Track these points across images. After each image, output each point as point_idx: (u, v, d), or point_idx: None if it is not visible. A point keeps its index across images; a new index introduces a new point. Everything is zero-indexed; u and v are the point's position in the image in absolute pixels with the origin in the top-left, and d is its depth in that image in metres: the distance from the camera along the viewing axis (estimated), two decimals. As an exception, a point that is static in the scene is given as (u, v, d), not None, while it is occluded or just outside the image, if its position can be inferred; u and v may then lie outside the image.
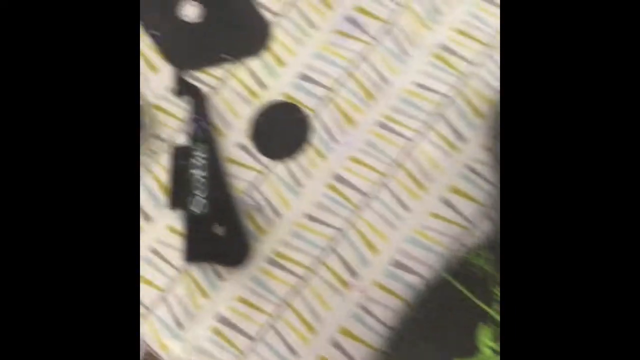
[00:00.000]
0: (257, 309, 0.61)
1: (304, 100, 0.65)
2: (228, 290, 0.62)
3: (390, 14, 0.66)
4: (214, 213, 0.62)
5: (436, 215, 0.63)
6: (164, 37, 0.67)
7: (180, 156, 0.64)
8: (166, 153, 0.64)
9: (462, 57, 0.65)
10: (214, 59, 0.66)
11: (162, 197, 0.64)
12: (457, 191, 0.63)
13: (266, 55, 0.66)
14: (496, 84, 0.65)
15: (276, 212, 0.63)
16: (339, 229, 0.63)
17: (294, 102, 0.65)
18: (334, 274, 0.62)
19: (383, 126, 0.64)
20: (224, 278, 0.62)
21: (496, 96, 0.64)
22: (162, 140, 0.65)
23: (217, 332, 0.61)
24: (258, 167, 0.64)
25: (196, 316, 0.62)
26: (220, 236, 0.61)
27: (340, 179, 0.64)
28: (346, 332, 0.61)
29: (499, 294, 0.54)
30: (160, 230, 0.63)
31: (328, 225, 0.63)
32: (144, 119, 0.61)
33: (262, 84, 0.66)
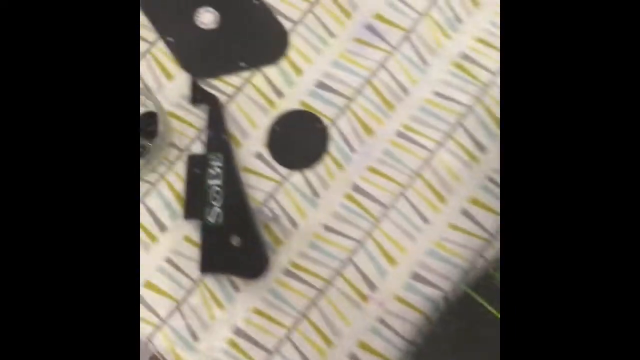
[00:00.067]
0: (274, 321, 0.60)
1: (322, 109, 0.64)
2: (244, 302, 0.61)
3: (410, 22, 0.65)
4: (230, 223, 0.61)
5: (455, 227, 0.62)
6: (180, 43, 0.66)
7: (196, 165, 0.63)
8: (182, 162, 0.64)
9: (482, 66, 0.64)
10: (230, 67, 0.65)
11: (178, 207, 0.63)
12: (476, 202, 0.62)
13: (283, 63, 0.65)
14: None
15: (293, 223, 0.62)
16: (357, 241, 0.62)
17: (312, 111, 0.64)
18: (352, 286, 0.61)
19: (402, 136, 0.63)
20: (240, 289, 0.61)
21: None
22: (178, 148, 0.64)
23: (233, 344, 0.60)
24: (275, 176, 0.63)
25: (211, 327, 0.61)
26: (236, 247, 0.60)
27: (358, 189, 0.63)
28: (364, 346, 0.60)
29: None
30: (175, 240, 0.62)
31: (346, 236, 0.62)
32: (159, 127, 0.60)
33: (279, 93, 0.65)
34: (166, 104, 0.64)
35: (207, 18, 0.66)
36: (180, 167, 0.64)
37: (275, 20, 0.66)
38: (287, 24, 0.66)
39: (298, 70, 0.65)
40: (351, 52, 0.65)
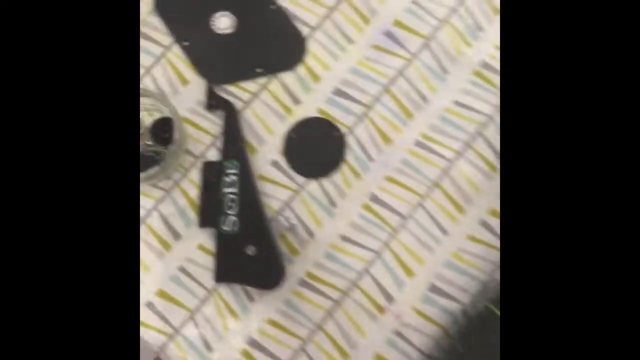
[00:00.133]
0: (289, 332, 0.60)
1: (339, 117, 0.63)
2: (258, 312, 0.60)
3: (430, 30, 0.64)
4: (246, 232, 0.60)
5: (474, 239, 0.61)
6: (195, 48, 0.65)
7: (211, 173, 0.62)
8: (196, 168, 0.63)
9: (503, 75, 0.63)
10: (247, 73, 0.64)
11: (192, 214, 0.62)
12: (496, 214, 0.61)
13: (301, 70, 0.64)
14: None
15: (309, 233, 0.61)
16: (374, 251, 0.61)
17: (329, 119, 0.63)
18: (369, 297, 0.60)
19: (421, 145, 0.62)
20: (255, 299, 0.60)
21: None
22: (193, 155, 0.63)
23: (247, 355, 0.59)
24: (291, 185, 0.62)
25: (225, 338, 0.60)
26: (251, 256, 0.59)
27: (376, 199, 0.62)
28: (381, 359, 0.59)
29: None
30: (189, 249, 0.61)
31: (363, 246, 0.61)
32: (175, 133, 0.59)
33: (296, 99, 0.64)
34: (181, 109, 0.63)
35: (223, 23, 0.65)
36: (195, 174, 0.63)
37: (292, 25, 0.65)
38: (304, 30, 0.65)
39: (315, 77, 0.64)
40: (370, 59, 0.64)
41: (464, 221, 0.61)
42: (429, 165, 0.62)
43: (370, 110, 0.63)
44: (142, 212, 0.62)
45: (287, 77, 0.64)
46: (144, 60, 0.64)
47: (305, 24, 0.65)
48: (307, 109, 0.63)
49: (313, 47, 0.65)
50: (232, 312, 0.60)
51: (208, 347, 0.60)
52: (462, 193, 0.61)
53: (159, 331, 0.60)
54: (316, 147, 0.63)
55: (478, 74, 0.63)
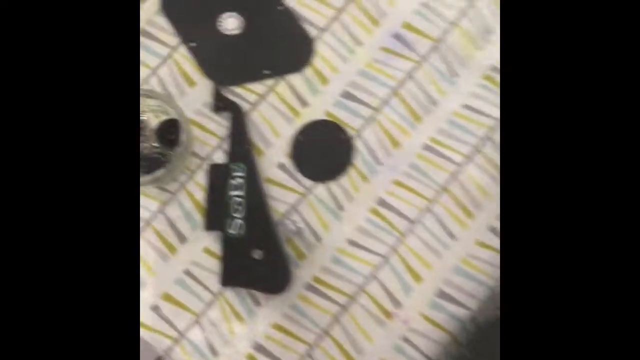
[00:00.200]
0: (295, 337, 0.59)
1: (347, 120, 0.63)
2: (265, 317, 0.59)
3: (440, 32, 0.63)
4: (252, 236, 0.59)
5: (483, 244, 0.60)
6: (202, 49, 0.64)
7: (218, 175, 0.61)
8: (203, 171, 0.62)
9: (513, 79, 0.62)
10: (254, 74, 0.64)
11: (198, 217, 0.61)
12: (505, 219, 0.60)
13: (308, 72, 0.64)
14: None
15: (316, 237, 0.61)
16: (381, 256, 0.60)
17: (337, 121, 0.63)
18: (376, 302, 0.59)
19: (429, 149, 0.62)
20: (261, 304, 0.60)
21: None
22: (199, 157, 0.62)
23: (252, 360, 0.59)
24: (298, 188, 0.62)
25: (231, 342, 0.59)
26: (258, 260, 0.59)
27: (383, 203, 0.61)
28: (388, 365, 0.58)
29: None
30: (195, 252, 0.61)
31: (370, 251, 0.60)
32: (182, 135, 0.59)
33: (304, 102, 0.63)
34: (188, 111, 0.62)
35: (230, 23, 0.64)
36: (201, 177, 0.62)
37: (300, 27, 0.64)
38: (312, 31, 0.64)
39: (323, 79, 0.63)
40: (378, 61, 0.63)
41: (473, 226, 0.60)
42: (438, 169, 0.61)
43: (378, 113, 0.62)
44: (147, 215, 0.61)
45: (295, 79, 0.63)
46: (150, 61, 0.64)
47: (313, 25, 0.64)
48: (315, 112, 0.63)
49: (321, 48, 0.64)
50: (238, 316, 0.60)
51: (213, 351, 0.59)
52: (471, 198, 0.61)
53: (165, 335, 0.59)
54: (323, 150, 0.62)
55: (488, 77, 0.63)
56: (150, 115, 0.62)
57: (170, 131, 0.60)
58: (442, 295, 0.59)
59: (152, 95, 0.61)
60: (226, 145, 0.62)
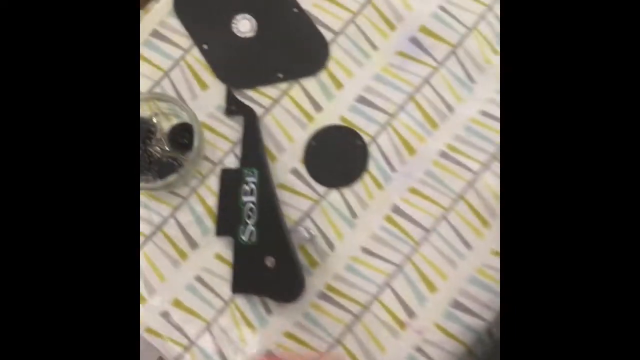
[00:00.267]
0: (307, 345, 0.58)
1: (362, 125, 0.61)
2: (276, 325, 0.58)
3: (457, 37, 0.62)
4: (264, 243, 0.58)
5: (499, 254, 0.59)
6: (215, 51, 0.63)
7: (230, 180, 0.60)
8: (214, 175, 0.61)
9: (531, 86, 0.61)
10: (267, 77, 0.62)
11: (210, 223, 0.60)
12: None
13: (323, 76, 0.62)
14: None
15: (330, 244, 0.60)
16: (395, 265, 0.59)
17: (351, 127, 0.61)
18: (389, 312, 0.58)
19: (445, 156, 0.61)
20: (273, 311, 0.59)
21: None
22: (211, 161, 0.61)
23: (263, 368, 0.58)
24: (311, 194, 0.61)
25: (242, 350, 0.58)
26: (270, 267, 0.58)
27: (398, 210, 0.60)
28: (401, 376, 0.57)
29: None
30: (206, 258, 0.60)
31: (384, 259, 0.59)
32: (195, 140, 0.58)
33: (317, 106, 0.62)
34: (200, 114, 0.61)
35: (244, 26, 0.63)
36: (213, 181, 0.61)
37: (315, 30, 0.63)
38: (327, 35, 0.63)
39: (338, 84, 0.62)
40: (394, 66, 0.62)
41: (489, 236, 0.59)
42: (454, 177, 0.60)
43: (393, 118, 0.61)
44: (158, 220, 0.60)
45: (309, 83, 0.62)
46: (162, 63, 0.63)
47: (328, 28, 0.63)
48: (329, 116, 0.62)
49: (336, 52, 0.63)
50: (249, 324, 0.59)
51: (224, 359, 0.58)
52: (487, 206, 0.59)
53: (175, 342, 0.59)
54: (338, 156, 0.61)
55: (506, 83, 0.61)
56: (162, 119, 0.61)
57: (182, 135, 0.60)
58: (457, 305, 0.58)
59: (163, 98, 0.60)
60: (238, 150, 0.61)
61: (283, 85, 0.62)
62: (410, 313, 0.58)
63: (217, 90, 0.62)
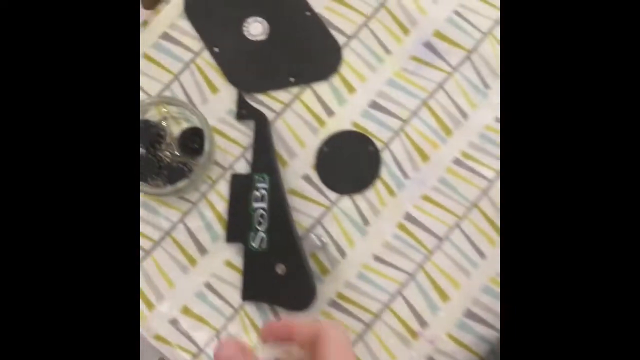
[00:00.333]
0: (317, 354, 0.57)
1: (375, 131, 0.61)
2: (286, 333, 0.58)
3: (472, 42, 0.61)
4: (275, 249, 0.58)
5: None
6: (226, 55, 0.62)
7: (240, 186, 0.59)
8: (224, 180, 0.60)
9: (547, 92, 0.60)
10: (279, 82, 0.62)
11: (219, 229, 0.59)
12: (536, 237, 0.58)
13: (335, 80, 0.62)
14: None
15: (341, 252, 0.59)
16: (407, 273, 0.58)
17: (364, 132, 0.61)
18: (401, 321, 0.58)
19: (459, 163, 0.60)
20: (283, 319, 0.58)
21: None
22: (221, 166, 0.61)
23: (273, 377, 0.57)
24: (323, 201, 0.60)
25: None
26: (280, 275, 0.57)
27: (410, 218, 0.59)
28: (413, 386, 0.57)
29: None
30: (216, 265, 0.59)
31: (396, 268, 0.58)
32: (205, 145, 0.57)
33: (329, 111, 0.61)
34: (210, 118, 0.60)
35: (256, 29, 0.62)
36: (223, 186, 0.60)
37: (327, 33, 0.62)
38: (340, 38, 0.62)
39: (350, 88, 0.61)
40: (408, 71, 0.61)
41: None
42: (468, 184, 0.59)
43: (407, 124, 0.61)
44: (167, 225, 0.60)
45: (321, 87, 0.61)
46: (172, 66, 0.62)
47: (340, 32, 0.62)
48: (341, 122, 0.61)
49: (348, 56, 0.62)
50: (259, 332, 0.58)
51: (233, 367, 0.57)
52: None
53: (184, 350, 0.58)
54: (349, 162, 0.60)
55: (522, 90, 0.60)
56: (172, 123, 0.60)
57: (192, 140, 0.59)
58: (470, 315, 0.57)
59: (173, 102, 0.59)
60: (249, 155, 0.60)
61: (295, 90, 0.62)
62: (423, 322, 0.57)
63: (227, 94, 0.62)
